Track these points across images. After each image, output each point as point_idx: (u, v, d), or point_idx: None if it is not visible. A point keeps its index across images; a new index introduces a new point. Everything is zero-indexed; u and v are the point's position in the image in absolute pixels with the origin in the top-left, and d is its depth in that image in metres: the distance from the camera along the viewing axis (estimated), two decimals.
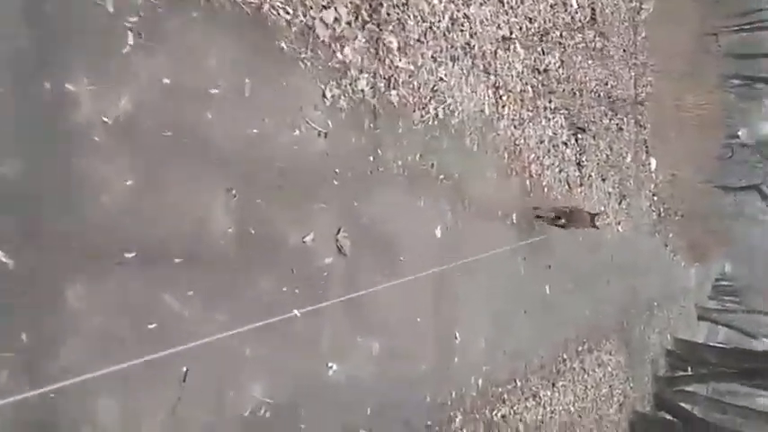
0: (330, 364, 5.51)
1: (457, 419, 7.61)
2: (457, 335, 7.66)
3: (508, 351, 9.34)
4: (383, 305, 6.10)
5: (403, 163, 6.40)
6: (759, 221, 35.76)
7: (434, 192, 6.98)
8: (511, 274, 9.42)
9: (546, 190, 10.77)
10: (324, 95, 5.37)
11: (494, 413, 8.70)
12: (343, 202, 5.62)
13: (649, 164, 20.82)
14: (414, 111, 6.53)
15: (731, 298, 42.36)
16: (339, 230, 5.51)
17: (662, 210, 22.88)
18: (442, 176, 7.13)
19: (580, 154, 12.51)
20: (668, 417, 18.97)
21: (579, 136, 12.34)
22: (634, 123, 18.54)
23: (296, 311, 4.46)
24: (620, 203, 15.85)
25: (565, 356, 12.13)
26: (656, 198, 21.44)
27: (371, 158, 5.90)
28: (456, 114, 7.36)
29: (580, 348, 13.09)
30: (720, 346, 28.05)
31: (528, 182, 9.99)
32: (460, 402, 7.77)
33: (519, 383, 9.74)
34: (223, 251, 4.45)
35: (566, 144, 11.64)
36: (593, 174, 13.43)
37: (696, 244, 29.27)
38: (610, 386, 14.95)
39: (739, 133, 37.28)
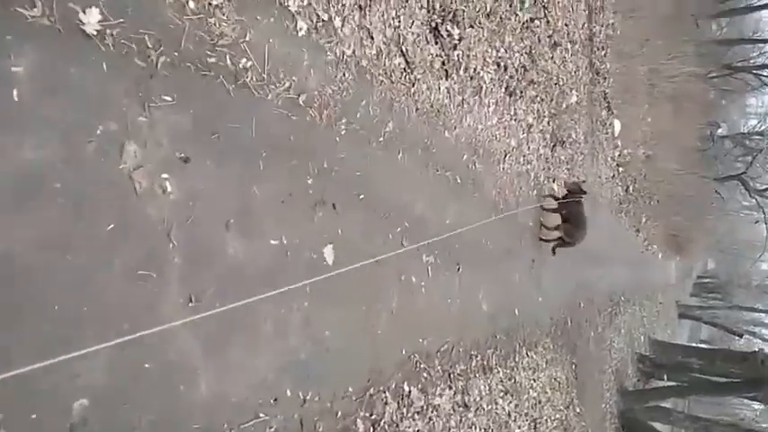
0: None
1: None
2: None
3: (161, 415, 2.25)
4: None
5: None
6: (742, 214, 27.65)
7: None
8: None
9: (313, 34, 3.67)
10: None
11: None
12: None
13: (612, 126, 13.32)
14: None
15: (714, 295, 33.98)
16: None
17: (631, 187, 15.36)
18: None
19: (442, 13, 5.34)
20: None
21: None
22: (588, 64, 11.20)
23: None
24: (552, 149, 8.53)
25: (406, 388, 4.93)
26: (621, 170, 13.95)
27: None
28: None
29: (458, 368, 5.85)
30: (704, 347, 20.03)
31: None
32: None
33: None
34: None
35: None
36: (481, 72, 6.22)
37: (675, 235, 21.52)
38: (533, 420, 7.59)
39: (720, 129, 29.30)
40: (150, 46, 2.84)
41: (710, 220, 25.46)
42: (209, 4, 3.14)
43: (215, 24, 3.17)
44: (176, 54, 2.97)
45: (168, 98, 2.92)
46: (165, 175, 2.91)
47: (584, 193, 7.83)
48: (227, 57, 3.27)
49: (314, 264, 3.97)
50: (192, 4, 3.03)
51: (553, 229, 8.15)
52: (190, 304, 3.05)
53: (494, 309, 6.89)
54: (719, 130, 28.60)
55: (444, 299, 5.79)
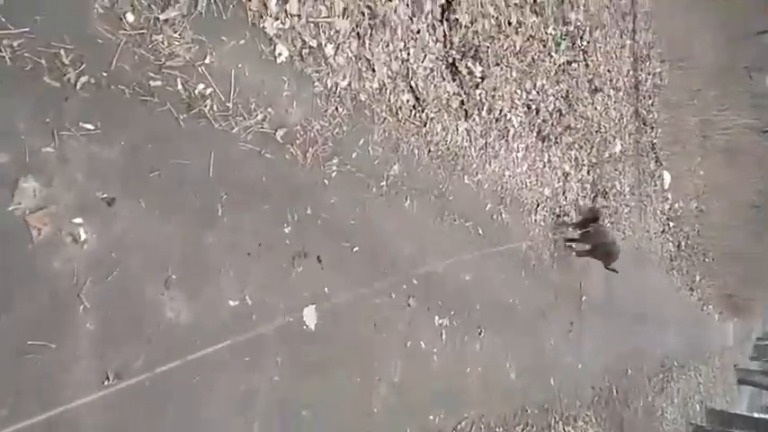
0: None
1: None
2: None
3: None
4: None
5: None
6: None
7: None
8: None
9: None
10: None
11: None
12: None
13: (661, 178, 12.30)
14: None
15: None
16: None
17: (683, 243, 14.09)
18: None
19: (462, 48, 4.71)
20: None
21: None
22: (634, 113, 10.38)
23: None
24: (593, 200, 7.65)
25: None
26: (672, 224, 12.80)
27: None
28: None
29: None
30: (767, 417, 17.92)
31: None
32: None
33: None
34: None
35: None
36: (509, 115, 5.54)
37: (732, 295, 19.73)
38: None
39: None
40: (67, 62, 2.24)
41: None
42: (156, 18, 2.55)
43: (163, 42, 2.57)
44: (104, 74, 2.37)
45: (89, 126, 2.31)
46: (78, 220, 2.26)
47: (597, 218, 6.74)
48: (179, 81, 2.66)
49: (290, 329, 3.23)
50: (130, 17, 2.44)
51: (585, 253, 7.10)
52: (106, 382, 2.35)
53: (524, 378, 5.93)
54: None
55: (462, 367, 4.92)
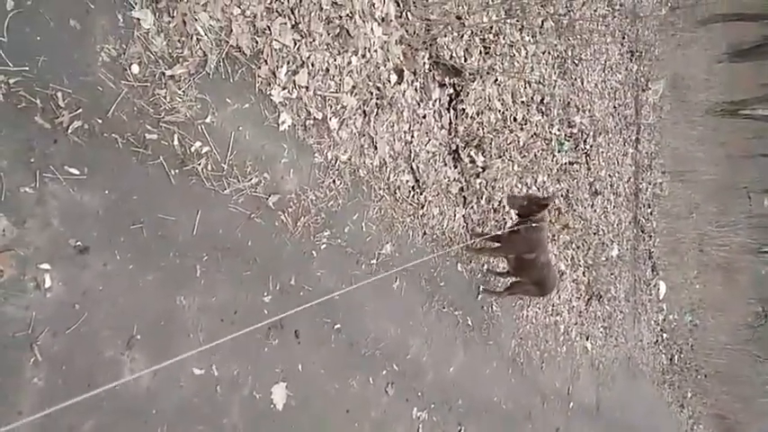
0: None
1: None
2: None
3: None
4: None
5: None
6: None
7: None
8: None
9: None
10: None
11: None
12: None
13: (657, 287, 12.23)
14: None
15: None
16: None
17: (676, 357, 13.81)
18: None
19: (466, 137, 4.78)
20: None
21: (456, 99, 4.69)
22: (633, 220, 10.46)
23: None
24: (587, 302, 7.52)
25: None
26: (665, 336, 12.59)
27: None
28: None
29: None
30: None
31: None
32: None
33: None
34: None
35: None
36: (508, 206, 5.50)
37: (724, 417, 19.08)
38: None
39: None
40: (62, 105, 2.21)
41: (763, 403, 22.67)
42: (162, 73, 2.54)
43: (165, 97, 2.56)
44: (99, 121, 2.33)
45: (75, 171, 2.24)
46: (45, 266, 2.15)
47: (546, 206, 4.34)
48: (176, 136, 2.62)
49: (255, 406, 3.02)
50: (135, 69, 2.44)
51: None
52: None
53: None
54: None
55: None
